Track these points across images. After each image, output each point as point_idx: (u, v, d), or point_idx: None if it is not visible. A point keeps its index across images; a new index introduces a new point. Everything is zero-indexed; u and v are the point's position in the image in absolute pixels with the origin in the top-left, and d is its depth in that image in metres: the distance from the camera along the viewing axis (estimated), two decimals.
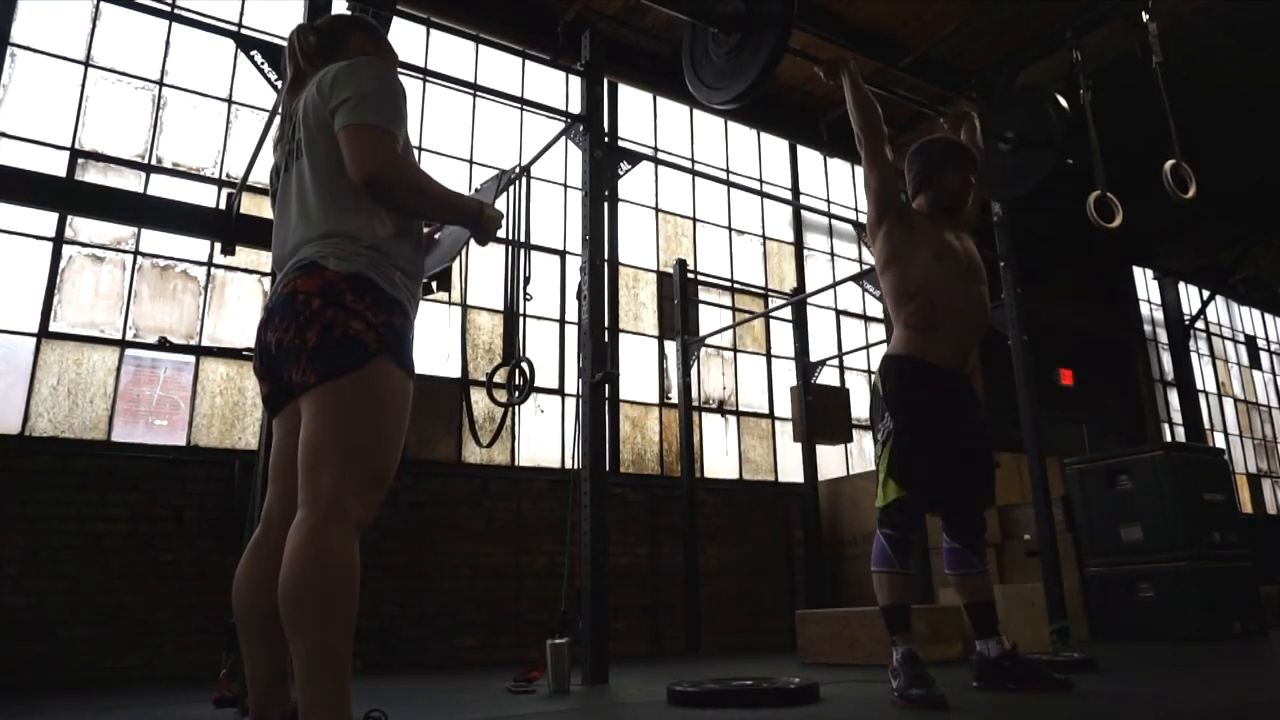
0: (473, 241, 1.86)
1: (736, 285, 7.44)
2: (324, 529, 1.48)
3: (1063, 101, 4.23)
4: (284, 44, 1.96)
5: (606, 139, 4.60)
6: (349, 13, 2.01)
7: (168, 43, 5.32)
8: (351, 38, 1.89)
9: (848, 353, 7.76)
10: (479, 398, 5.57)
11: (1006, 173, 4.29)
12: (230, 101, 5.46)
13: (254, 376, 1.84)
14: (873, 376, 2.83)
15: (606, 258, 5.25)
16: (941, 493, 2.66)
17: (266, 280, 5.30)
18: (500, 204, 4.93)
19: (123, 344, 4.82)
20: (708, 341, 6.83)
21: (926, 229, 2.80)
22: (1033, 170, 4.27)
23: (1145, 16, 4.75)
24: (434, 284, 4.46)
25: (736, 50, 3.36)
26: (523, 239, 4.56)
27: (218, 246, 4.57)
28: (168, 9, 5.04)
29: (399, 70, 2.01)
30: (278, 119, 1.86)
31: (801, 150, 8.20)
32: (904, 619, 2.61)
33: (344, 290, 1.58)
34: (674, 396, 6.64)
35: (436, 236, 2.08)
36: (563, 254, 6.43)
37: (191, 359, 5.00)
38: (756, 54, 3.29)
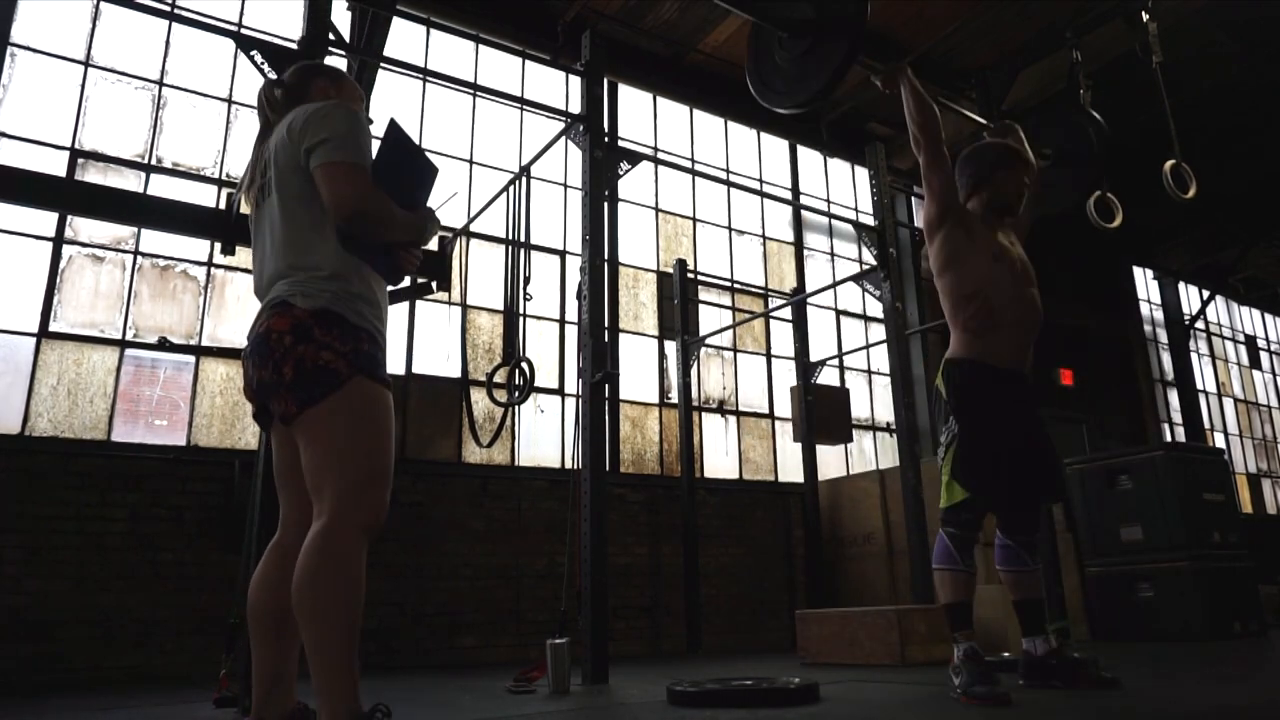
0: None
1: (736, 285, 7.44)
2: (333, 534, 1.61)
3: (1100, 119, 4.22)
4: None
5: (606, 139, 4.60)
6: (307, 62, 2.15)
7: (168, 43, 5.32)
8: (313, 84, 1.99)
9: (848, 353, 7.77)
10: (479, 398, 5.57)
11: (1043, 188, 4.24)
12: (230, 101, 5.46)
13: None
14: (936, 379, 2.83)
15: (606, 258, 5.25)
16: (1004, 493, 2.65)
17: None
18: (501, 204, 4.93)
19: (123, 344, 4.82)
20: (708, 341, 6.83)
21: (982, 231, 2.81)
22: (1069, 187, 4.23)
23: (1145, 16, 4.76)
24: (434, 284, 4.47)
25: (804, 56, 3.18)
26: (523, 239, 4.57)
27: (218, 246, 4.57)
28: (168, 9, 5.03)
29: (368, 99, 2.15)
30: (249, 166, 1.96)
31: (801, 150, 8.20)
32: (966, 616, 2.64)
33: (312, 326, 1.69)
34: (674, 396, 6.64)
35: None
36: (563, 254, 6.43)
37: (191, 359, 5.00)
38: (826, 61, 3.10)
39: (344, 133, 1.73)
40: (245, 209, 4.56)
